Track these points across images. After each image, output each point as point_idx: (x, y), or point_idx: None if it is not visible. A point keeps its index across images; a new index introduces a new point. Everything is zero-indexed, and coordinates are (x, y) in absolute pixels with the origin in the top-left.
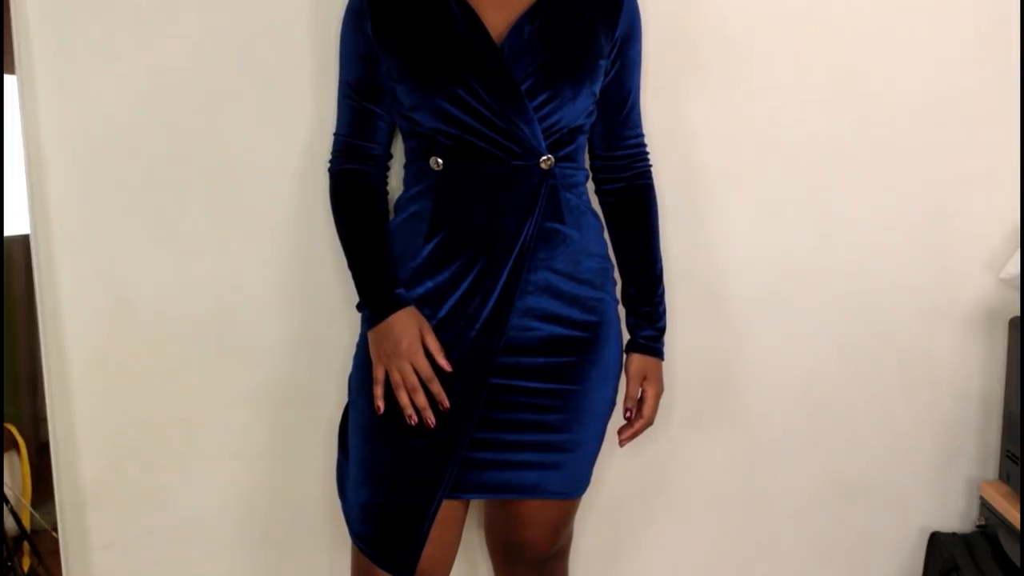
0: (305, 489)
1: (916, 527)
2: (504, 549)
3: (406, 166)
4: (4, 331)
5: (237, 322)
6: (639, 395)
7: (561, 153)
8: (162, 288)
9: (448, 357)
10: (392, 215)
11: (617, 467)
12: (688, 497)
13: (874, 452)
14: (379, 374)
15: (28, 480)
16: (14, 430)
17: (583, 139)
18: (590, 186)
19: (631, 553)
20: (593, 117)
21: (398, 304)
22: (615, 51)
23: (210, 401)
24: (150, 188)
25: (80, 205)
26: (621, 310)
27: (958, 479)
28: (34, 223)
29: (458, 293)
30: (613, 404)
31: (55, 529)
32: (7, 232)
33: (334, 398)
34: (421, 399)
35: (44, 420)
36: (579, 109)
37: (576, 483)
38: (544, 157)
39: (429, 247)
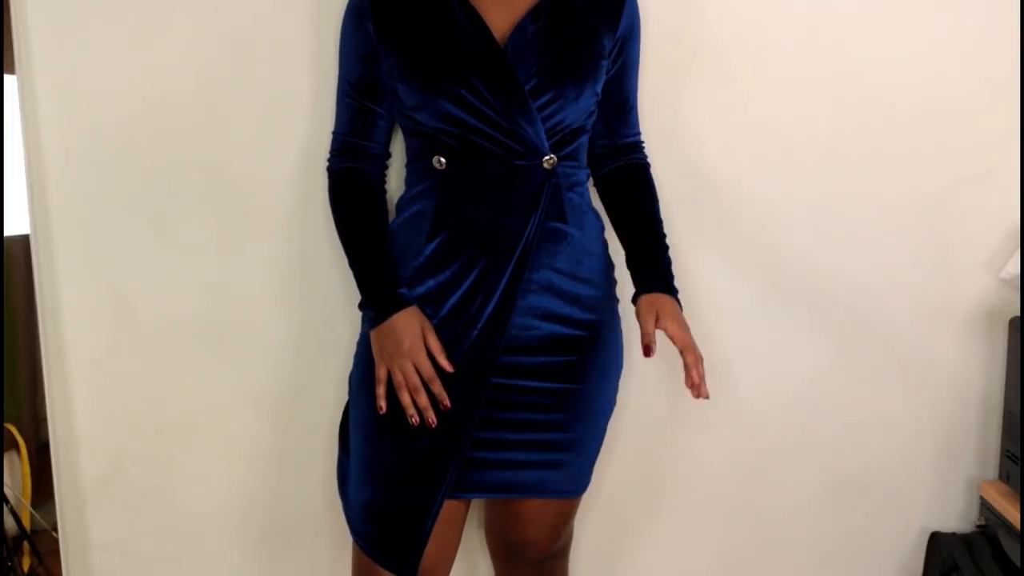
0: (306, 489)
1: (916, 527)
2: (505, 548)
3: (408, 165)
4: (4, 331)
5: (237, 322)
6: (657, 333)
7: (563, 152)
8: (162, 288)
9: (450, 356)
10: (394, 215)
11: (617, 467)
12: (688, 497)
13: (874, 452)
14: (381, 374)
15: (28, 480)
16: (14, 430)
17: (585, 138)
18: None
19: (631, 553)
20: (595, 117)
21: (400, 304)
22: (616, 51)
23: (210, 401)
24: (150, 188)
25: (80, 205)
26: (622, 309)
27: (958, 479)
28: (34, 223)
29: (460, 292)
30: (614, 403)
31: (55, 529)
32: (7, 232)
33: (335, 398)
34: (423, 399)
35: (44, 420)
36: (582, 109)
37: (577, 482)
38: (547, 157)
39: (431, 246)
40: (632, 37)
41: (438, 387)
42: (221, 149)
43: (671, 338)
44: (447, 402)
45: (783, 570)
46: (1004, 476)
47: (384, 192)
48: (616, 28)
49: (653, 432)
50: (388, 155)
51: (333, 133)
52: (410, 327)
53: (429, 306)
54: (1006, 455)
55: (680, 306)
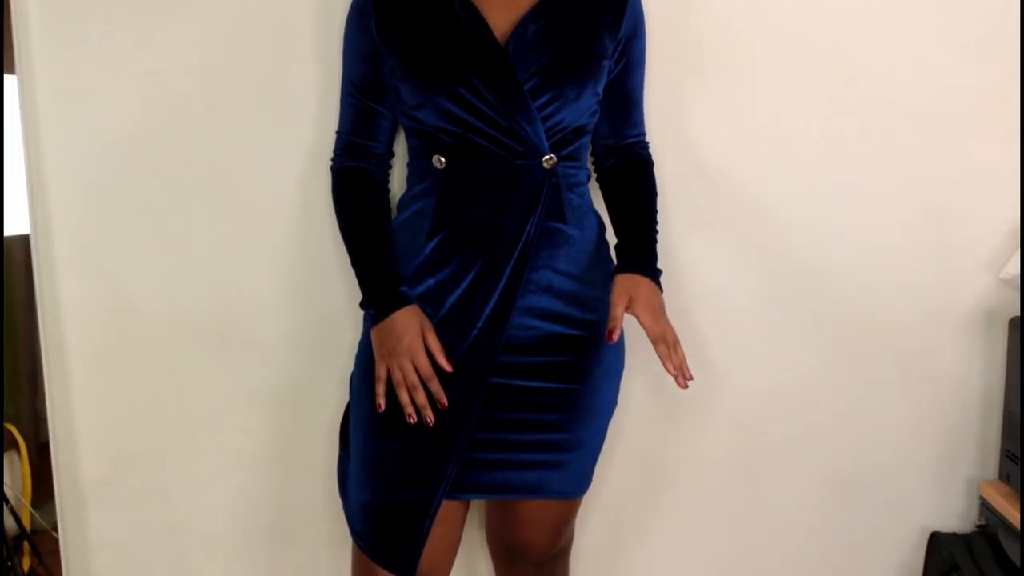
0: (306, 489)
1: (916, 527)
2: (505, 549)
3: (409, 164)
4: (4, 331)
5: (238, 322)
6: (625, 315)
7: (563, 152)
8: (162, 288)
9: (449, 355)
10: (395, 213)
11: (617, 467)
12: (688, 497)
13: (874, 452)
14: (381, 372)
15: (28, 480)
16: (14, 430)
17: (586, 138)
18: (591, 186)
19: (632, 553)
20: (596, 117)
21: (401, 302)
22: (618, 51)
23: (211, 401)
24: (151, 188)
25: (80, 205)
26: None
27: (958, 479)
28: (34, 223)
29: (459, 291)
30: (615, 403)
31: (55, 529)
32: (7, 232)
33: (335, 398)
34: (421, 397)
35: (44, 420)
36: (582, 109)
37: (578, 482)
38: (547, 156)
39: (431, 245)
40: (636, 36)
41: (436, 386)
42: (222, 149)
43: (643, 327)
44: (444, 401)
45: (783, 570)
46: (1004, 476)
47: (387, 191)
48: (619, 28)
49: (654, 432)
50: (392, 154)
51: (337, 133)
52: (410, 325)
53: (430, 305)
54: (1006, 455)
55: (660, 288)
